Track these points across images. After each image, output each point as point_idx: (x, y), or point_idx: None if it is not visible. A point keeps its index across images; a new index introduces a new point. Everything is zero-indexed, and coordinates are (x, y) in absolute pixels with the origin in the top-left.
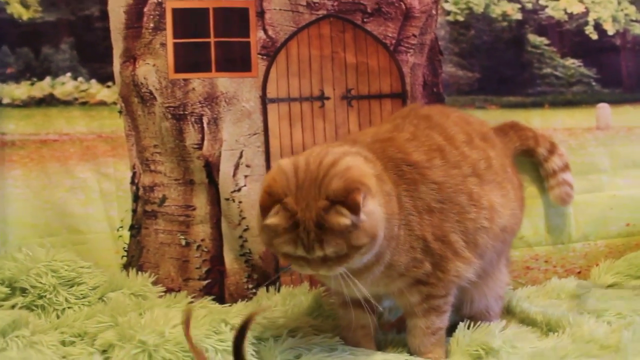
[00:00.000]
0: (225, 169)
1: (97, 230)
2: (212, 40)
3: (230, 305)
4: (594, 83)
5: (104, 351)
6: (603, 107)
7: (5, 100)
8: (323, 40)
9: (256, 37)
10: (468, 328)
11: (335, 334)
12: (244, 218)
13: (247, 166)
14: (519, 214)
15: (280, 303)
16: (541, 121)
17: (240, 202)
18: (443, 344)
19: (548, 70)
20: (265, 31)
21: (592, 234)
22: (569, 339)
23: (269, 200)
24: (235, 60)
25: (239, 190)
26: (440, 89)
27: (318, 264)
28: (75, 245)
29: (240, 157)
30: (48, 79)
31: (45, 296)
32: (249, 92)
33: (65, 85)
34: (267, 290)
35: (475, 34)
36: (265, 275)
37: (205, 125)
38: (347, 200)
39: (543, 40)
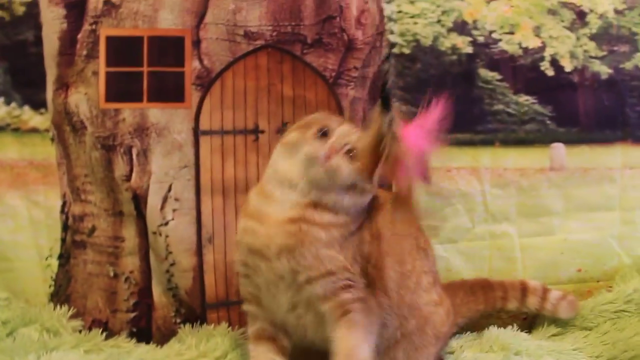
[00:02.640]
0: (153, 201)
1: (25, 258)
2: (145, 69)
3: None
4: (548, 121)
5: None
6: (557, 146)
7: None
8: (260, 71)
9: (191, 66)
10: None
11: None
12: (170, 252)
13: (176, 200)
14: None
15: (195, 345)
16: (491, 160)
17: (167, 236)
18: None
19: (500, 106)
20: (201, 61)
21: (540, 279)
22: None
23: None
24: (168, 91)
25: (167, 224)
26: None
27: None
28: (2, 272)
29: (169, 190)
30: None
31: None
32: (181, 124)
33: None
34: (192, 327)
35: (422, 67)
36: (192, 310)
37: (134, 156)
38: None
39: (495, 75)
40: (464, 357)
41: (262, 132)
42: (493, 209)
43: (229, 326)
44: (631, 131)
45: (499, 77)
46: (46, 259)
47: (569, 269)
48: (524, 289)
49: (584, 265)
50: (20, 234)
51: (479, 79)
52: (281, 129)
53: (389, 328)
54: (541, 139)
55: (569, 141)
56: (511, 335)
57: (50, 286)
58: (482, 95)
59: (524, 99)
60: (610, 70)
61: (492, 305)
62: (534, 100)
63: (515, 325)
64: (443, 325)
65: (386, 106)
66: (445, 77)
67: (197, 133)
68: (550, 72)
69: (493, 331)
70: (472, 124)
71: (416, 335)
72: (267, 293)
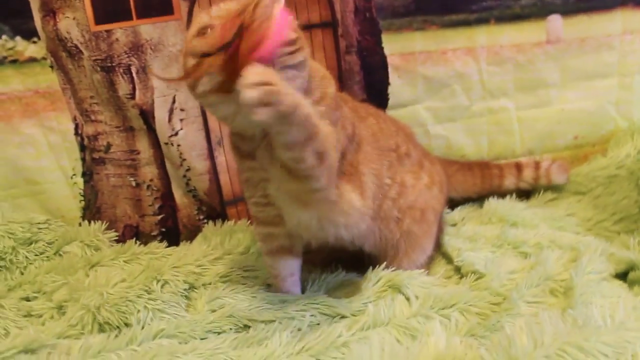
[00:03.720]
0: (160, 115)
1: (52, 179)
2: None
3: (170, 249)
4: None
5: (60, 307)
6: (554, 19)
7: None
8: None
9: None
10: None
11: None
12: (184, 159)
13: (182, 110)
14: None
15: (220, 243)
16: (487, 39)
17: (179, 145)
18: None
19: None
20: None
21: (537, 148)
22: (469, 285)
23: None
24: (156, 5)
25: (176, 134)
26: (373, 13)
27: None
28: (35, 195)
29: (174, 102)
30: None
31: (6, 258)
32: (174, 36)
33: None
34: (215, 224)
35: None
36: (212, 208)
37: (134, 74)
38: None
39: None
40: (464, 230)
41: None
42: (490, 86)
43: (248, 220)
44: None
45: None
46: (71, 177)
47: (565, 137)
48: (518, 165)
49: (581, 132)
50: (43, 158)
51: None
52: None
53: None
54: (537, 13)
55: (566, 12)
56: (509, 206)
57: (80, 201)
58: None
59: None
60: None
61: (489, 181)
62: None
63: (514, 194)
64: (439, 202)
65: None
66: None
67: None
68: None
69: (492, 202)
70: (466, 3)
71: (416, 227)
72: (279, 200)
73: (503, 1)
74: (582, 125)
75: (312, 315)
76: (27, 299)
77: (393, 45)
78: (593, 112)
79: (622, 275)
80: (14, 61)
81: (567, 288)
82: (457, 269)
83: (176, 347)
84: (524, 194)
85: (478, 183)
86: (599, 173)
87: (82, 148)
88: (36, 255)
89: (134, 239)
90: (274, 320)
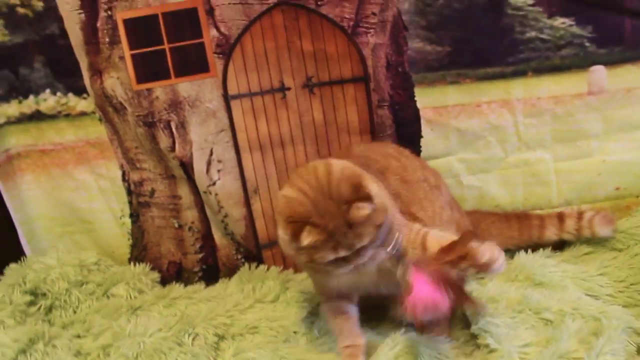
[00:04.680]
0: (199, 167)
1: (104, 220)
2: (166, 46)
3: (207, 291)
4: (587, 43)
5: (105, 348)
6: (597, 70)
7: (2, 120)
8: (277, 30)
9: (209, 36)
10: None
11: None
12: (222, 207)
13: (219, 161)
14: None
15: (252, 289)
16: (523, 91)
17: (216, 194)
18: None
19: (532, 34)
20: (218, 29)
21: (575, 199)
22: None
23: (297, 227)
24: (192, 63)
25: (214, 184)
26: (405, 67)
27: (356, 256)
28: (89, 232)
29: (211, 154)
30: (31, 97)
31: (60, 298)
32: (210, 93)
33: (48, 101)
34: (250, 268)
35: (444, 3)
36: (248, 250)
37: (174, 129)
38: (360, 195)
39: (526, 0)
40: (489, 288)
41: (289, 89)
42: (526, 138)
43: (282, 261)
44: None
45: (530, 1)
46: (120, 218)
47: (606, 188)
48: (560, 216)
49: (623, 184)
50: (95, 201)
51: (509, 7)
52: (306, 84)
53: None
54: (579, 64)
55: (611, 62)
56: (539, 262)
57: (128, 239)
58: (512, 24)
59: (559, 22)
60: None
61: (527, 233)
62: (571, 22)
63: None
64: None
65: None
66: (470, 10)
67: (227, 98)
68: None
69: (522, 257)
70: (502, 56)
71: None
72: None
73: (542, 52)
74: (625, 177)
75: None
76: (79, 336)
77: (426, 98)
78: (637, 162)
79: None
80: (67, 115)
81: None
82: (474, 339)
83: None
84: (559, 246)
85: (515, 235)
86: (639, 231)
87: (129, 192)
88: (86, 295)
89: (177, 274)
90: None
